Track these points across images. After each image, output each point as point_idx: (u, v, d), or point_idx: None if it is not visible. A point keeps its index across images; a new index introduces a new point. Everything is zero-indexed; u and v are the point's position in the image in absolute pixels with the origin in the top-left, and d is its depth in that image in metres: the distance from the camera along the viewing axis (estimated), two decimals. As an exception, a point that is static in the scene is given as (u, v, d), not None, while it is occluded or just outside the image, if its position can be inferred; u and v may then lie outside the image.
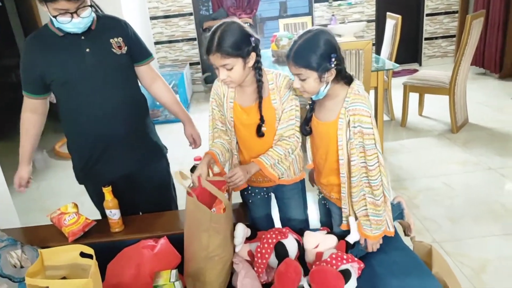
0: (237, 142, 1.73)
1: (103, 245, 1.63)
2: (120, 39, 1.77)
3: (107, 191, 1.67)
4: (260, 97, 1.59)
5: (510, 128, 3.94)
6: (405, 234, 1.85)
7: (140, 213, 2.01)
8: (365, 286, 1.44)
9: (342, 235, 1.55)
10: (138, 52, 1.86)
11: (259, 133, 1.61)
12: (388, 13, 4.53)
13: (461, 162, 3.39)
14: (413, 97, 4.38)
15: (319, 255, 1.47)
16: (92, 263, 1.20)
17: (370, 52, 2.89)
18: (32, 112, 1.82)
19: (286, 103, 1.61)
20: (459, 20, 6.32)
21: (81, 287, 1.13)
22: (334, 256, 1.40)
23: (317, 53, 1.37)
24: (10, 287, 1.34)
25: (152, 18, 6.21)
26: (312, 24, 6.15)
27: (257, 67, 1.58)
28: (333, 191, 1.64)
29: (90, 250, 1.25)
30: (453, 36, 6.53)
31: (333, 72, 1.41)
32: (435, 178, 3.17)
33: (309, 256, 1.51)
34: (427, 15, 6.43)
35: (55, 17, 1.58)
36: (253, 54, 1.53)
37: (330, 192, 1.65)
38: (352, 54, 2.89)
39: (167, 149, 2.05)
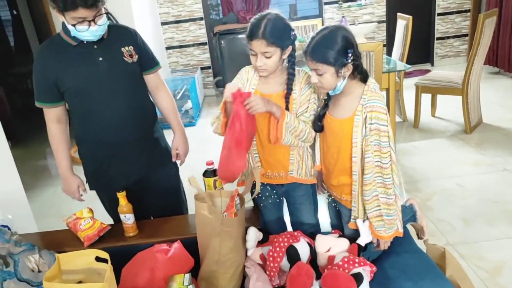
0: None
1: (117, 250, 1.66)
2: (131, 48, 1.80)
3: (122, 196, 1.70)
4: (289, 89, 1.63)
5: (525, 128, 3.90)
6: (418, 237, 1.84)
7: (152, 218, 2.04)
8: (378, 288, 1.44)
9: (353, 238, 1.56)
10: (147, 61, 1.90)
11: None
12: (398, 13, 4.50)
13: (475, 163, 3.36)
14: (426, 98, 4.35)
15: (331, 259, 1.47)
16: (107, 268, 1.22)
17: (381, 53, 2.89)
18: (58, 123, 1.85)
19: (305, 96, 1.65)
20: (471, 19, 6.26)
21: (97, 291, 1.16)
22: (346, 259, 1.40)
23: (334, 48, 1.41)
24: (28, 291, 1.37)
25: (163, 23, 6.27)
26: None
27: (291, 61, 1.63)
28: (344, 193, 1.64)
29: (105, 255, 1.28)
30: (466, 35, 6.46)
31: (349, 67, 1.44)
32: (448, 180, 3.14)
33: (321, 260, 1.52)
34: (439, 14, 6.37)
35: (74, 25, 1.61)
36: (290, 47, 1.59)
37: (341, 194, 1.65)
38: (363, 56, 2.88)
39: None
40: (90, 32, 1.64)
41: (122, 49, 1.79)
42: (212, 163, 1.73)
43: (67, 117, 1.89)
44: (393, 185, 1.48)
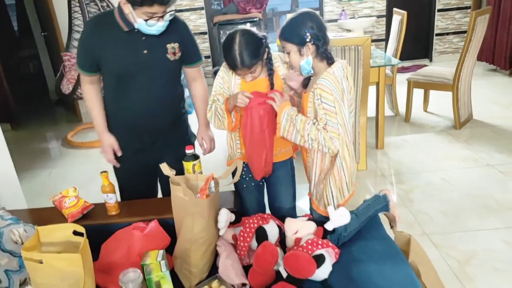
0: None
1: (99, 227, 1.75)
2: (176, 45, 1.85)
3: (104, 177, 1.78)
4: (271, 83, 1.75)
5: (514, 125, 3.95)
6: (391, 227, 1.91)
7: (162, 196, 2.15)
8: (342, 271, 1.51)
9: (322, 222, 1.64)
10: (190, 56, 1.96)
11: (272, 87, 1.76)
12: (394, 9, 4.54)
13: (461, 158, 3.43)
14: (419, 93, 4.40)
15: (297, 241, 1.55)
16: (83, 241, 1.31)
17: (369, 48, 2.94)
18: (91, 83, 1.95)
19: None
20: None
21: (71, 261, 1.25)
22: (310, 241, 1.48)
23: (297, 29, 1.59)
24: (11, 261, 1.46)
25: (164, 12, 6.32)
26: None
27: (268, 57, 1.73)
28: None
29: (81, 229, 1.36)
30: (465, 32, 6.48)
31: (310, 46, 1.59)
32: (433, 173, 3.22)
33: (289, 242, 1.60)
34: (439, 10, 6.40)
35: (146, 20, 1.68)
36: (266, 50, 1.70)
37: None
38: (351, 50, 2.94)
39: (195, 137, 2.15)
40: (157, 27, 1.72)
41: (168, 45, 1.83)
42: (192, 148, 1.81)
43: (100, 82, 1.97)
44: (323, 138, 1.56)
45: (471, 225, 2.54)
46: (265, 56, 1.71)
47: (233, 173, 1.75)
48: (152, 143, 1.97)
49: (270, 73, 1.75)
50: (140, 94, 1.86)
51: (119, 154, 1.99)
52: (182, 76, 2.04)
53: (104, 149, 2.00)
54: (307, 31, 1.56)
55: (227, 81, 1.80)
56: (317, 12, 1.66)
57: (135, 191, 2.07)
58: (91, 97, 1.97)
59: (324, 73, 1.59)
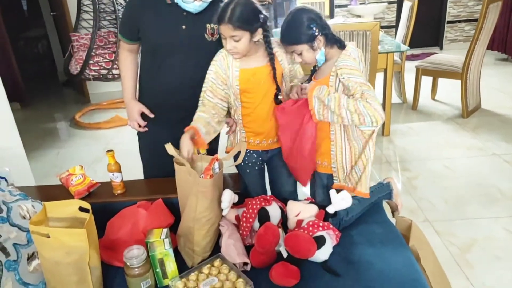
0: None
1: (105, 205, 1.78)
2: (215, 26, 1.82)
3: (110, 155, 1.80)
4: (273, 68, 1.71)
5: (522, 116, 3.92)
6: (392, 215, 1.93)
7: None
8: (342, 253, 1.54)
9: (323, 206, 1.66)
10: None
11: (277, 101, 1.75)
12: (405, -6, 4.49)
13: (467, 147, 3.42)
14: (428, 81, 4.37)
15: (299, 223, 1.57)
16: (88, 216, 1.34)
17: (377, 33, 2.92)
18: (130, 51, 1.98)
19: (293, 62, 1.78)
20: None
21: (77, 235, 1.28)
22: (311, 223, 1.50)
23: (299, 28, 1.57)
24: (19, 235, 1.49)
25: None
26: (330, 5, 6.11)
27: (267, 41, 1.70)
28: (323, 158, 1.75)
29: (87, 205, 1.39)
30: (477, 19, 6.37)
31: (320, 38, 1.59)
32: (438, 161, 3.22)
33: (291, 223, 1.62)
34: (452, -3, 6.31)
35: None
36: (260, 30, 1.65)
37: (322, 160, 1.76)
38: (360, 35, 2.92)
39: None
40: (193, 6, 1.72)
41: (208, 25, 1.82)
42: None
43: (139, 51, 1.99)
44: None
45: (473, 213, 2.55)
46: (257, 36, 1.65)
47: (235, 157, 1.77)
48: (178, 121, 1.95)
49: (271, 57, 1.71)
50: (174, 71, 1.87)
51: (152, 115, 1.99)
52: None
53: (132, 117, 2.01)
54: (312, 25, 1.56)
55: (222, 74, 1.76)
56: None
57: (157, 168, 2.09)
58: (126, 64, 2.00)
59: (341, 56, 1.57)
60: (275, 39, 1.78)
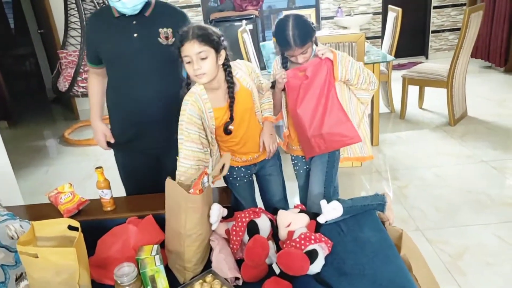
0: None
1: (95, 223, 1.77)
2: (169, 30, 1.84)
3: (99, 172, 1.80)
4: (232, 97, 1.70)
5: (508, 122, 3.97)
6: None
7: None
8: (334, 262, 1.53)
9: (314, 214, 1.66)
10: None
11: (226, 131, 1.76)
12: (389, 6, 4.56)
13: (455, 155, 3.45)
14: (415, 90, 4.43)
15: (290, 234, 1.57)
16: (77, 235, 1.33)
17: (363, 44, 2.96)
18: (97, 75, 2.04)
19: (256, 78, 1.86)
20: (466, 13, 6.30)
21: (66, 254, 1.27)
22: (302, 236, 1.50)
23: (308, 26, 1.77)
24: (7, 256, 1.47)
25: (161, 9, 6.31)
26: (317, 17, 6.20)
27: (227, 70, 1.69)
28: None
29: (76, 224, 1.38)
30: (460, 29, 6.50)
31: (316, 34, 1.85)
32: (427, 170, 3.24)
33: (282, 234, 1.62)
34: (435, 7, 6.42)
35: None
36: (223, 52, 1.65)
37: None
38: (346, 46, 2.96)
39: None
40: (122, 3, 1.72)
41: (160, 29, 1.83)
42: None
43: (105, 76, 2.01)
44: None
45: (464, 220, 2.56)
46: (222, 58, 1.65)
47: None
48: (151, 131, 1.95)
49: (230, 85, 1.69)
50: (136, 80, 1.87)
51: (112, 141, 2.04)
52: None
53: (97, 137, 2.05)
54: (312, 22, 1.79)
55: (196, 120, 1.70)
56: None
57: (137, 185, 2.09)
58: (91, 87, 2.06)
59: (320, 46, 1.85)
60: (236, 62, 1.78)
